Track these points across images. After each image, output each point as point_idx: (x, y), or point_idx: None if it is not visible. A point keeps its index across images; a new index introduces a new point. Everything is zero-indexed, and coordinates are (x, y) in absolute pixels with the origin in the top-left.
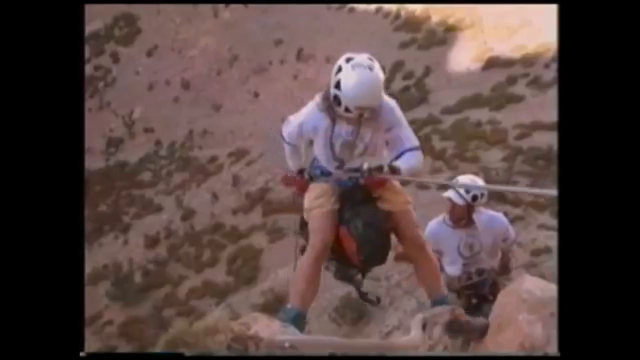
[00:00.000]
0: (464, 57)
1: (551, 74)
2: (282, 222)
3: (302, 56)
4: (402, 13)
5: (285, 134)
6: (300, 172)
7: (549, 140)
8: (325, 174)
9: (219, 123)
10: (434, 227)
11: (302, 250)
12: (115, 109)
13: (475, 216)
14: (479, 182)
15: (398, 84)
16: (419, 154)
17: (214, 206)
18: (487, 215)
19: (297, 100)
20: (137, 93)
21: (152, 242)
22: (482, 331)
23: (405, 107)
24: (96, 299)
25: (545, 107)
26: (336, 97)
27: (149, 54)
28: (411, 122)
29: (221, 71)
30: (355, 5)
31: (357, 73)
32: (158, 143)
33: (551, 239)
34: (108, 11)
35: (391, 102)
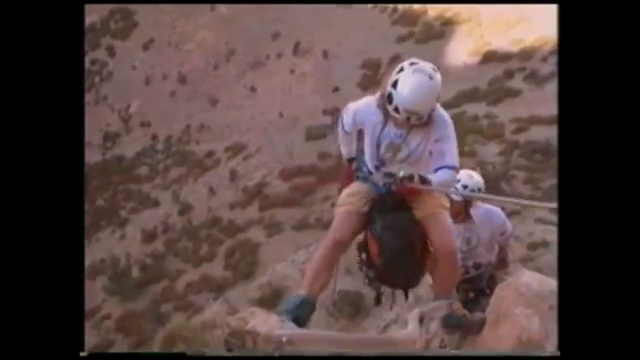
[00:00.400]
0: (461, 51)
1: (548, 67)
2: (280, 216)
3: (299, 50)
4: (399, 7)
5: (343, 120)
6: (350, 160)
7: (546, 134)
8: (368, 174)
9: (216, 117)
10: None
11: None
12: (112, 103)
13: (472, 210)
14: (477, 177)
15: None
16: (453, 174)
17: (211, 201)
18: (484, 210)
19: (295, 94)
20: (134, 87)
21: (149, 236)
22: (479, 326)
23: None
24: (94, 293)
25: (542, 101)
26: (389, 95)
27: (146, 47)
28: None
29: (218, 65)
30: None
31: (416, 77)
32: (155, 137)
33: (548, 233)
34: (104, 5)
35: (446, 115)
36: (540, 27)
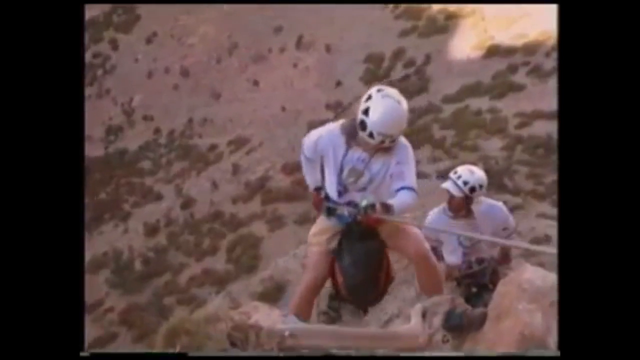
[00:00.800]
0: (464, 45)
1: (552, 62)
2: (282, 210)
3: (302, 44)
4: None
5: (304, 145)
6: (317, 189)
7: (549, 129)
8: (334, 204)
9: (219, 111)
10: (434, 217)
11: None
12: (115, 97)
13: (474, 206)
14: (478, 172)
15: (398, 72)
16: (414, 195)
17: (213, 194)
18: (487, 205)
19: (297, 88)
20: (137, 81)
21: (152, 230)
22: (481, 321)
23: (405, 95)
24: (96, 286)
25: (545, 95)
26: (362, 123)
27: (148, 41)
28: (411, 111)
29: (220, 59)
30: None
31: (386, 102)
32: (157, 131)
33: (550, 228)
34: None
35: (407, 143)
36: (544, 21)
